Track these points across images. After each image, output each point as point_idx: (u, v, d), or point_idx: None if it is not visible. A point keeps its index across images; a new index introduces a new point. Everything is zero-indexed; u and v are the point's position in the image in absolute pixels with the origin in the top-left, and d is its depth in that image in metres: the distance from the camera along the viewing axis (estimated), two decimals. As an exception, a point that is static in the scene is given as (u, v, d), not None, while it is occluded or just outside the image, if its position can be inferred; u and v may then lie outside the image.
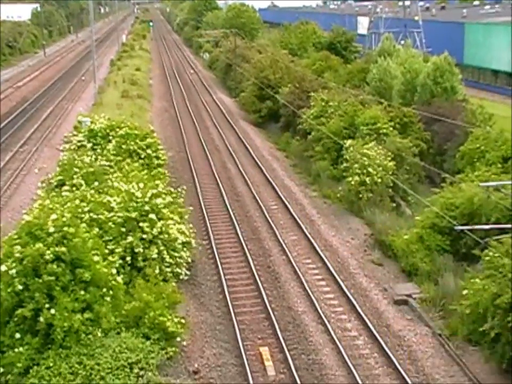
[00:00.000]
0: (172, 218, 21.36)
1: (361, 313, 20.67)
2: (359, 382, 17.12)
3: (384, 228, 26.36)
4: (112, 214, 20.17)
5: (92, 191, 21.77)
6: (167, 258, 20.42)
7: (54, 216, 16.12)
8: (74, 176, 23.68)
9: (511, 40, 64.21)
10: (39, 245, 15.38)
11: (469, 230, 20.04)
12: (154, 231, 20.04)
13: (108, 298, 16.21)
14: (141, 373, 15.22)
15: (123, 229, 19.83)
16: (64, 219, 16.16)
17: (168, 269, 20.44)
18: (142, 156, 27.89)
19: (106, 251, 18.22)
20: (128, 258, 19.45)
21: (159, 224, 20.30)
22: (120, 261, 18.94)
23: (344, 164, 31.17)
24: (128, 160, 26.55)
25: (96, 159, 26.03)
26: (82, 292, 15.52)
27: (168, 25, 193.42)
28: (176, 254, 20.95)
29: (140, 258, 19.69)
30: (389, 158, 30.18)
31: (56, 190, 23.28)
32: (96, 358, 15.13)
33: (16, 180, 35.10)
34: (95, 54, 61.62)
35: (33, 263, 15.24)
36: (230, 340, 19.55)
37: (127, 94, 58.13)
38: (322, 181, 34.46)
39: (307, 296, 22.04)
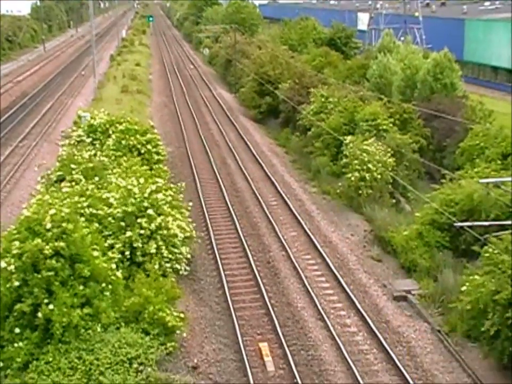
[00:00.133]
0: (171, 215, 21.36)
1: (361, 309, 20.69)
2: (358, 377, 17.15)
3: (383, 224, 26.37)
4: (111, 209, 20.18)
5: (92, 186, 21.77)
6: (166, 254, 20.42)
7: (52, 211, 16.11)
8: (74, 172, 23.67)
9: (511, 36, 64.11)
10: (37, 240, 15.37)
11: (468, 226, 20.06)
12: (152, 226, 20.04)
13: (108, 293, 16.23)
14: (140, 368, 15.24)
15: (122, 223, 19.85)
16: (62, 214, 16.15)
17: (168, 264, 20.45)
18: (142, 151, 27.87)
19: (106, 246, 18.24)
20: (127, 253, 19.48)
21: (159, 219, 20.30)
22: (119, 256, 18.95)
23: (344, 160, 31.16)
24: (128, 156, 26.54)
25: (95, 155, 26.01)
26: (81, 287, 15.54)
27: (168, 21, 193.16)
28: (175, 250, 20.96)
29: (138, 253, 19.71)
30: (389, 154, 30.20)
31: (56, 185, 23.27)
32: (95, 353, 15.15)
33: (16, 175, 35.11)
34: (95, 49, 61.49)
35: (32, 258, 15.24)
36: (230, 335, 19.57)
37: (127, 89, 58.07)
38: (322, 177, 34.46)
39: (306, 292, 22.06)
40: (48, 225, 15.67)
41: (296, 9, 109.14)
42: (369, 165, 29.15)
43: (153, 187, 21.20)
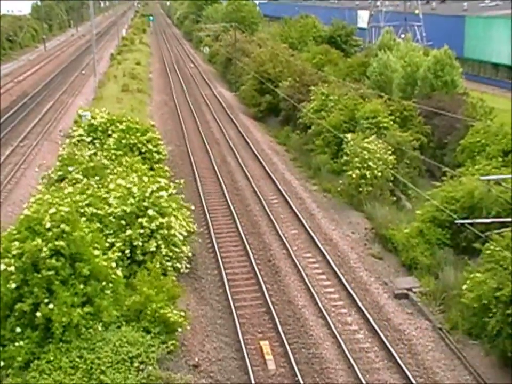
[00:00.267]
0: (173, 215, 21.34)
1: (362, 307, 20.68)
2: (359, 375, 17.14)
3: (384, 221, 26.35)
4: (111, 208, 20.18)
5: (93, 185, 21.77)
6: (166, 252, 20.40)
7: (52, 211, 16.10)
8: (74, 171, 23.66)
9: (511, 33, 64.01)
10: (37, 240, 15.37)
11: (469, 223, 20.03)
12: (153, 226, 20.03)
13: (108, 292, 16.23)
14: (141, 366, 15.24)
15: (123, 222, 19.85)
16: (63, 213, 16.14)
17: (169, 263, 20.45)
18: (143, 151, 27.87)
19: (107, 245, 18.24)
20: (127, 252, 19.48)
21: (160, 219, 20.28)
22: (119, 254, 18.94)
23: (344, 158, 31.14)
24: (129, 155, 26.53)
25: (95, 154, 26.00)
26: (82, 286, 15.54)
27: (168, 19, 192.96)
28: (176, 249, 20.95)
29: (138, 251, 19.71)
30: (389, 152, 30.15)
31: (56, 184, 23.27)
32: (96, 352, 15.17)
33: (17, 174, 35.11)
34: (95, 48, 61.49)
35: (31, 258, 15.24)
36: (230, 333, 19.57)
37: (127, 88, 58.06)
38: (322, 174, 34.44)
39: (307, 290, 22.05)
40: (48, 225, 15.66)
41: (296, 7, 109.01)
42: (370, 163, 29.12)
43: (154, 187, 21.17)
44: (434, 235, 23.59)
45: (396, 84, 42.62)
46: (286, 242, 25.81)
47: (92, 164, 24.05)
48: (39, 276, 15.18)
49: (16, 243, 15.66)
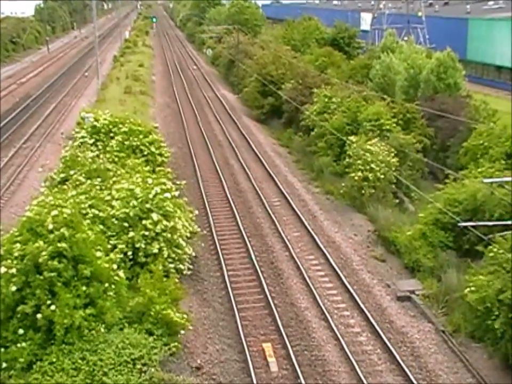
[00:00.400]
0: (178, 216, 21.34)
1: (364, 309, 20.65)
2: (362, 378, 17.11)
3: (387, 224, 26.32)
4: (114, 210, 20.19)
5: (96, 187, 21.78)
6: (170, 254, 20.42)
7: (54, 213, 16.11)
8: (77, 173, 23.69)
9: (511, 34, 64.00)
10: (39, 242, 15.37)
11: (472, 226, 20.02)
12: (158, 228, 20.03)
13: (111, 293, 16.23)
14: (144, 368, 15.23)
15: (125, 224, 19.85)
16: (65, 215, 16.15)
17: (171, 265, 20.45)
18: (145, 153, 27.89)
19: (109, 246, 18.25)
20: (129, 254, 19.48)
21: (164, 222, 20.28)
22: (122, 256, 18.93)
23: (347, 160, 31.13)
24: (132, 157, 26.55)
25: (98, 156, 26.03)
26: (84, 288, 15.54)
27: (171, 21, 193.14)
28: (179, 251, 20.96)
29: (141, 253, 19.71)
30: (392, 154, 30.16)
31: (59, 186, 23.29)
32: (99, 354, 15.16)
33: (20, 176, 35.19)
34: (98, 50, 61.57)
35: (33, 260, 15.25)
36: (233, 335, 19.56)
37: (130, 90, 58.10)
38: (325, 177, 34.42)
39: (310, 292, 22.03)
40: (50, 226, 15.66)
41: (299, 9, 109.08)
42: (373, 165, 29.12)
43: (158, 189, 21.16)
44: (437, 237, 23.56)
45: (398, 86, 42.63)
46: (289, 244, 25.79)
47: (94, 166, 24.07)
48: (41, 277, 15.19)
49: (18, 245, 15.66)
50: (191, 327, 18.13)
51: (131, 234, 19.63)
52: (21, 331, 15.19)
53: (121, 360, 15.16)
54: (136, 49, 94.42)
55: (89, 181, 22.73)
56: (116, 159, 26.30)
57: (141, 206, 20.23)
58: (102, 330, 15.78)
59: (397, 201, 29.97)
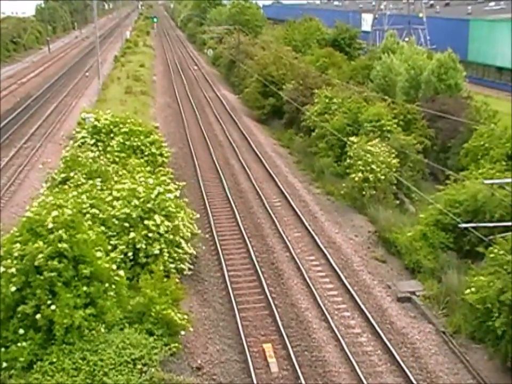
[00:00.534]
0: (181, 217, 21.34)
1: (365, 310, 20.64)
2: (363, 379, 17.11)
3: (387, 224, 26.32)
4: (115, 210, 20.19)
5: (97, 187, 21.79)
6: (171, 254, 20.42)
7: (55, 213, 16.10)
8: (78, 173, 23.69)
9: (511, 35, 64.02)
10: (38, 243, 15.37)
11: (472, 227, 20.01)
12: (162, 229, 20.03)
13: (112, 293, 16.23)
14: (144, 368, 15.24)
15: (126, 224, 19.84)
16: (66, 216, 16.15)
17: (172, 265, 20.46)
18: (146, 153, 27.89)
19: (109, 247, 18.25)
20: (130, 254, 19.47)
21: (166, 223, 20.28)
22: (122, 256, 18.94)
23: (348, 161, 31.14)
24: (133, 157, 26.57)
25: (99, 156, 26.04)
26: (84, 288, 15.54)
27: (172, 22, 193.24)
28: (180, 251, 20.96)
29: (141, 254, 19.71)
30: (393, 155, 30.15)
31: (59, 186, 23.31)
32: (99, 354, 15.17)
33: (20, 176, 35.19)
34: (99, 50, 61.59)
35: (32, 261, 15.24)
36: (233, 336, 19.55)
37: (131, 90, 58.14)
38: (325, 177, 34.42)
39: (310, 292, 22.02)
40: (50, 226, 15.66)
41: (300, 10, 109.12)
42: (373, 166, 29.12)
43: (161, 189, 21.16)
44: (438, 238, 23.55)
45: (399, 87, 42.63)
46: (289, 245, 25.79)
47: (95, 167, 24.07)
48: (42, 277, 15.20)
49: (18, 245, 15.66)
50: (191, 328, 18.10)
51: (132, 235, 19.62)
52: (21, 331, 15.21)
53: (122, 360, 15.17)
54: (137, 50, 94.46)
55: (90, 181, 22.73)
56: (117, 159, 26.31)
57: (143, 206, 20.23)
58: (102, 330, 15.79)
59: (398, 202, 29.97)
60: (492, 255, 18.31)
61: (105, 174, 23.65)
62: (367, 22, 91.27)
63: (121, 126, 28.96)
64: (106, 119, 29.70)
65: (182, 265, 21.06)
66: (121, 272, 17.19)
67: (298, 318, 20.47)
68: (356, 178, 29.47)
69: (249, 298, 21.81)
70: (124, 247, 19.39)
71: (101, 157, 26.11)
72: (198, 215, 24.93)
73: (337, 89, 40.54)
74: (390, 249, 25.39)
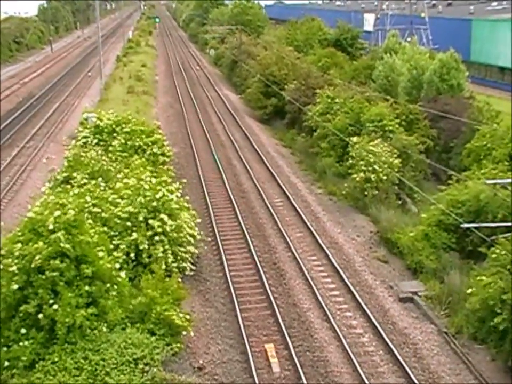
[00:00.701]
0: (184, 217, 21.34)
1: (367, 310, 20.62)
2: (364, 379, 17.09)
3: (389, 225, 26.30)
4: (118, 209, 20.18)
5: (100, 187, 21.80)
6: (176, 252, 20.42)
7: (57, 213, 16.11)
8: (80, 173, 23.70)
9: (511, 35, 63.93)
10: (39, 243, 15.37)
11: (475, 227, 19.98)
12: (167, 229, 20.01)
13: (113, 293, 16.24)
14: (146, 368, 15.24)
15: (128, 224, 19.84)
16: (68, 216, 16.15)
17: (174, 264, 20.46)
18: (148, 153, 27.90)
19: (112, 247, 18.25)
20: (132, 255, 19.47)
21: (170, 222, 20.27)
22: (124, 257, 18.94)
23: (350, 161, 31.13)
24: (135, 157, 26.57)
25: (101, 155, 26.06)
26: (86, 287, 15.55)
27: (174, 22, 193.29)
28: (182, 249, 20.97)
29: (144, 255, 19.70)
30: (395, 155, 30.13)
31: (62, 186, 23.32)
32: (101, 354, 15.17)
33: (23, 175, 35.23)
34: (101, 50, 61.66)
35: (31, 261, 15.24)
36: (235, 336, 19.54)
37: (133, 90, 58.19)
38: (327, 177, 34.40)
39: (312, 293, 22.01)
40: (51, 226, 15.66)
41: (302, 10, 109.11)
42: (375, 166, 29.10)
43: (165, 190, 21.15)
44: (440, 239, 23.53)
45: (401, 87, 42.60)
46: (291, 245, 25.78)
47: (97, 166, 24.08)
48: (44, 277, 15.20)
49: (19, 245, 15.67)
50: (193, 328, 18.10)
51: (134, 236, 19.59)
52: (23, 330, 15.22)
53: (124, 359, 15.18)
54: (139, 49, 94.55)
55: (92, 181, 22.74)
56: (119, 159, 26.32)
57: (147, 204, 20.21)
58: (104, 329, 15.81)
59: (400, 202, 29.94)
60: (494, 256, 18.30)
61: (107, 173, 23.66)
62: (369, 22, 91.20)
63: (123, 125, 28.98)
64: (108, 119, 29.72)
65: (184, 264, 21.03)
66: (123, 274, 17.19)
67: (300, 318, 20.46)
68: (358, 179, 29.45)
69: (251, 298, 21.80)
70: (125, 246, 19.36)
71: (103, 157, 26.12)
72: (199, 220, 24.81)
73: (339, 89, 40.51)
74: (392, 250, 25.37)
